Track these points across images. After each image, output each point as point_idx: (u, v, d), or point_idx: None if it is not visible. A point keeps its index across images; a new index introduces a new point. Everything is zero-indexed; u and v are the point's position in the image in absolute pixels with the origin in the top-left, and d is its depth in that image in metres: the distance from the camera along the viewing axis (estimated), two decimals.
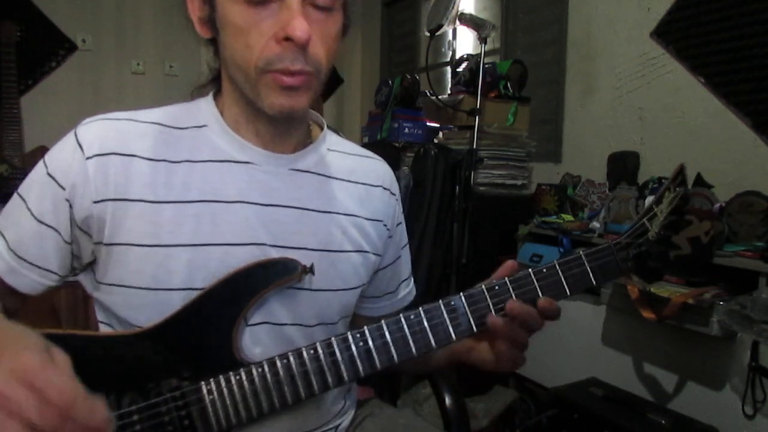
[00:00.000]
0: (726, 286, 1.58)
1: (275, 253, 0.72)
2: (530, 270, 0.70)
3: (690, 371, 1.65)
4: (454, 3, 2.27)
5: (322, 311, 0.76)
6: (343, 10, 0.70)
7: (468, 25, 2.34)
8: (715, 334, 1.51)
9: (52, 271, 0.71)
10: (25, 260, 0.70)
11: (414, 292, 0.96)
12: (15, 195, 0.72)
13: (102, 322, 0.75)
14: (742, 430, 1.50)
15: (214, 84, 0.78)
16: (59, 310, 2.22)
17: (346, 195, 0.80)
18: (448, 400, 1.01)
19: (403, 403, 2.07)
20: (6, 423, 0.49)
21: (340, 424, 0.83)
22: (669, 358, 1.71)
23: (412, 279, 0.97)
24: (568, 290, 0.70)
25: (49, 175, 0.69)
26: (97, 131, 0.70)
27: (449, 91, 2.63)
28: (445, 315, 0.69)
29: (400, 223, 0.90)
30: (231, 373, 0.67)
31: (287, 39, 0.63)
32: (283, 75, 0.65)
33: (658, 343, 1.73)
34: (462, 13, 2.33)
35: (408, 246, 0.93)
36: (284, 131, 0.75)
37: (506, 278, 0.70)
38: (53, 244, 0.70)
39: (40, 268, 0.70)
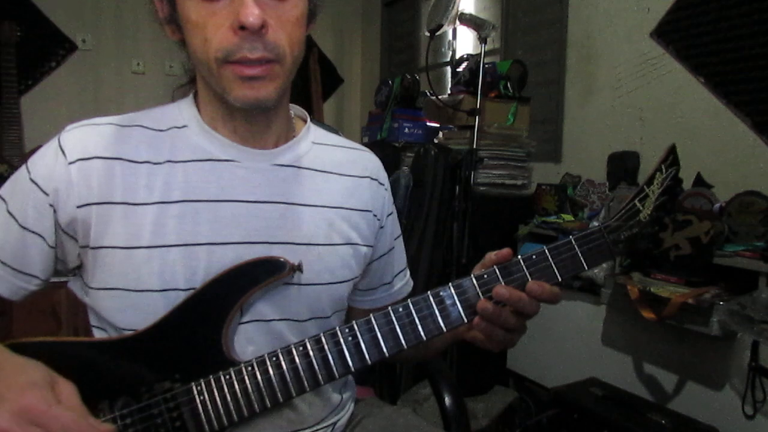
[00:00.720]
0: (726, 286, 1.58)
1: (260, 250, 0.71)
2: (519, 257, 0.69)
3: (690, 371, 1.65)
4: (454, 3, 2.27)
5: (312, 305, 0.76)
6: None
7: (468, 25, 2.33)
8: (715, 334, 1.51)
9: (34, 276, 0.71)
10: (7, 265, 0.70)
11: (411, 285, 0.96)
12: None
13: (95, 327, 0.75)
14: (742, 430, 1.50)
15: (193, 85, 0.78)
16: (59, 310, 2.22)
17: (332, 187, 0.80)
18: (447, 400, 1.01)
19: (402, 403, 2.07)
20: None
21: (337, 422, 0.83)
22: (669, 358, 1.71)
23: (408, 272, 0.96)
24: (558, 275, 0.68)
25: (32, 180, 0.69)
26: (80, 136, 0.70)
27: (449, 91, 2.63)
28: (434, 306, 0.68)
29: (391, 213, 0.89)
30: (221, 372, 0.66)
31: (242, 28, 0.63)
32: (243, 66, 0.65)
33: (658, 343, 1.73)
34: (462, 13, 2.33)
35: (401, 237, 0.93)
36: (262, 126, 0.75)
37: (495, 266, 0.69)
38: (37, 249, 0.70)
39: (23, 273, 0.70)
